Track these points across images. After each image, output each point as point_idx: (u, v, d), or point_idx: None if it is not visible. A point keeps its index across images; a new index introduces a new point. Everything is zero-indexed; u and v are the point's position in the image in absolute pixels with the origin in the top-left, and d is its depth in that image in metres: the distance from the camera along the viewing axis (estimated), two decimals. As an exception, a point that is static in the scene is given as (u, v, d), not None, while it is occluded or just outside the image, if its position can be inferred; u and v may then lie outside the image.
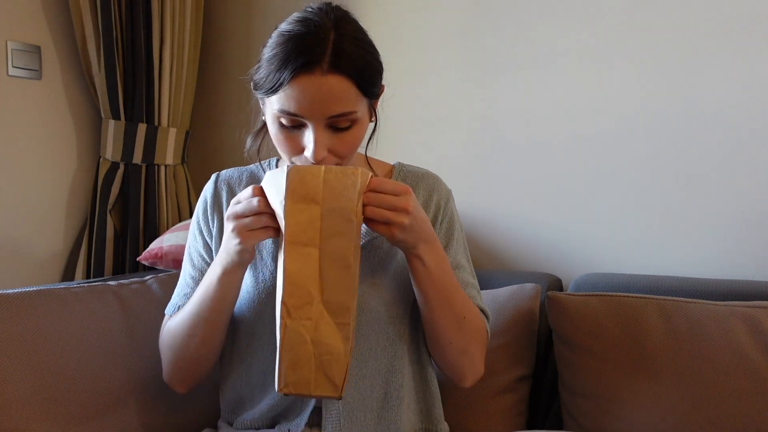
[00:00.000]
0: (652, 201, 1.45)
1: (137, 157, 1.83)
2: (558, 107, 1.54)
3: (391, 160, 1.16)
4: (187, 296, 1.09)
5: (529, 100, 1.58)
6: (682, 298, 1.22)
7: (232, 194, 1.11)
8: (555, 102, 1.55)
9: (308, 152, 0.91)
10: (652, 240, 1.45)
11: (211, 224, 1.10)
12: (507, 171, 1.61)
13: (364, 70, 0.90)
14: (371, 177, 0.88)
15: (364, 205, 0.87)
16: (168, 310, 1.11)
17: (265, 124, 1.00)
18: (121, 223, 1.85)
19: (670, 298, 1.22)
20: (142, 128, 1.82)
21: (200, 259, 1.11)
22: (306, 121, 0.90)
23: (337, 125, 0.91)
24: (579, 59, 1.51)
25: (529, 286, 1.37)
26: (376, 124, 1.03)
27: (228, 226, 0.92)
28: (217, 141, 2.08)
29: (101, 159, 1.81)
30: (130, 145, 1.81)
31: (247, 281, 1.05)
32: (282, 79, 0.88)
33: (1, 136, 1.67)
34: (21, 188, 1.72)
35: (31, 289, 1.15)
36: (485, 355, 1.08)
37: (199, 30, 1.97)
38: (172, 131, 1.89)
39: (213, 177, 1.14)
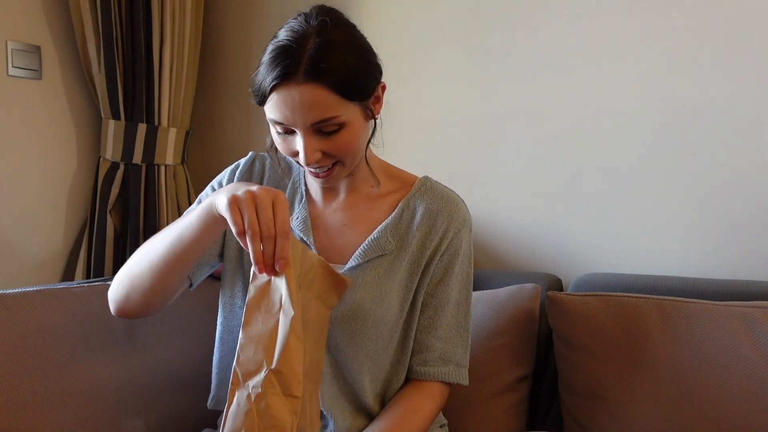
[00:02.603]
0: (652, 201, 1.45)
1: (137, 157, 1.83)
2: (558, 107, 1.54)
3: (393, 160, 1.16)
4: None
5: (529, 100, 1.58)
6: (682, 298, 1.22)
7: (262, 173, 1.12)
8: (555, 102, 1.55)
9: (300, 157, 0.94)
10: (652, 240, 1.45)
11: None
12: (507, 171, 1.61)
13: (344, 74, 0.90)
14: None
15: None
16: None
17: None
18: (121, 223, 1.85)
19: (670, 298, 1.22)
20: (142, 128, 1.82)
21: None
22: (294, 128, 0.93)
23: (324, 130, 0.93)
24: (579, 59, 1.51)
25: (529, 286, 1.37)
26: (375, 123, 1.03)
27: (237, 194, 0.84)
28: (217, 141, 2.08)
29: (101, 159, 1.81)
30: (130, 145, 1.81)
31: (246, 278, 1.05)
32: (265, 90, 0.91)
33: (1, 136, 1.67)
34: (21, 188, 1.72)
35: (31, 289, 1.15)
36: (447, 393, 1.09)
37: (199, 30, 1.97)
38: (172, 131, 1.89)
39: (252, 154, 1.15)
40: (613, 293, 1.26)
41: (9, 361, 1.04)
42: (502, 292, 1.38)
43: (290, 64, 0.88)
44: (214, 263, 1.09)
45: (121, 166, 1.82)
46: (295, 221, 1.07)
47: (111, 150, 1.80)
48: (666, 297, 1.23)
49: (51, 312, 1.13)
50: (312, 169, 0.97)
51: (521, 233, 1.60)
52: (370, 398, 1.03)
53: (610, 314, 1.22)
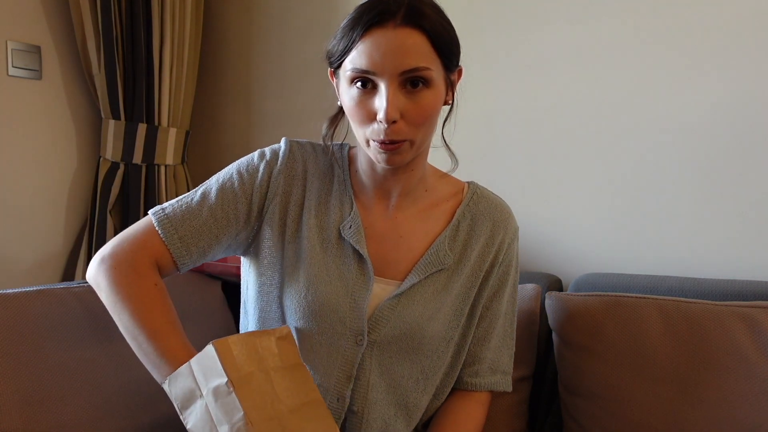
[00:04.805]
0: (652, 201, 1.45)
1: (137, 157, 1.83)
2: (558, 107, 1.54)
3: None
4: (189, 223, 0.97)
5: (529, 100, 1.58)
6: (682, 298, 1.22)
7: (304, 163, 1.02)
8: (555, 102, 1.55)
9: (380, 114, 0.86)
10: (652, 240, 1.45)
11: (268, 191, 1.00)
12: (507, 171, 1.61)
13: (439, 30, 0.87)
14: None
15: None
16: (155, 211, 0.98)
17: (340, 110, 0.98)
18: (121, 223, 1.85)
19: (670, 298, 1.22)
20: (142, 128, 1.82)
21: (229, 204, 0.98)
22: (378, 80, 0.86)
23: (411, 82, 0.87)
24: (579, 59, 1.51)
25: (529, 286, 1.37)
26: (453, 104, 0.98)
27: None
28: (217, 141, 2.08)
29: (101, 159, 1.81)
30: (130, 145, 1.81)
31: (296, 289, 0.98)
32: (354, 36, 0.86)
33: (1, 136, 1.67)
34: (21, 188, 1.72)
35: (31, 289, 1.15)
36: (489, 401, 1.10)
37: (199, 30, 1.97)
38: (172, 131, 1.89)
39: (286, 142, 1.02)
40: (613, 293, 1.26)
41: (9, 361, 1.04)
42: (502, 292, 1.38)
43: (388, 7, 0.85)
44: (214, 255, 1.01)
45: (121, 166, 1.82)
46: (348, 230, 0.98)
47: (111, 150, 1.80)
48: (666, 297, 1.23)
49: (51, 312, 1.13)
50: (384, 137, 0.88)
51: (521, 233, 1.60)
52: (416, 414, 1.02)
53: (610, 314, 1.22)
